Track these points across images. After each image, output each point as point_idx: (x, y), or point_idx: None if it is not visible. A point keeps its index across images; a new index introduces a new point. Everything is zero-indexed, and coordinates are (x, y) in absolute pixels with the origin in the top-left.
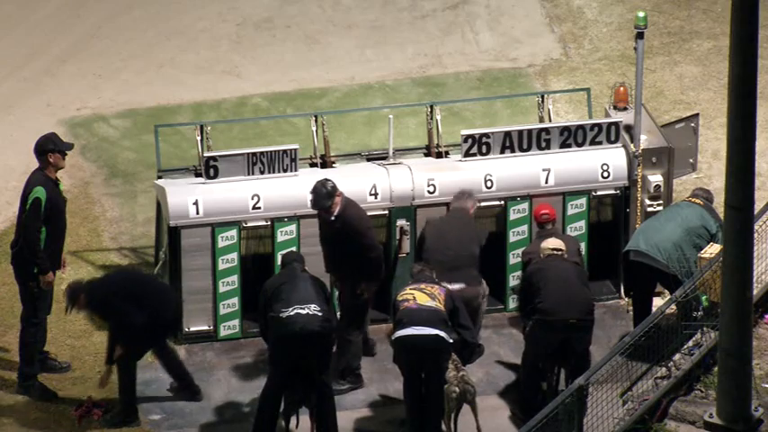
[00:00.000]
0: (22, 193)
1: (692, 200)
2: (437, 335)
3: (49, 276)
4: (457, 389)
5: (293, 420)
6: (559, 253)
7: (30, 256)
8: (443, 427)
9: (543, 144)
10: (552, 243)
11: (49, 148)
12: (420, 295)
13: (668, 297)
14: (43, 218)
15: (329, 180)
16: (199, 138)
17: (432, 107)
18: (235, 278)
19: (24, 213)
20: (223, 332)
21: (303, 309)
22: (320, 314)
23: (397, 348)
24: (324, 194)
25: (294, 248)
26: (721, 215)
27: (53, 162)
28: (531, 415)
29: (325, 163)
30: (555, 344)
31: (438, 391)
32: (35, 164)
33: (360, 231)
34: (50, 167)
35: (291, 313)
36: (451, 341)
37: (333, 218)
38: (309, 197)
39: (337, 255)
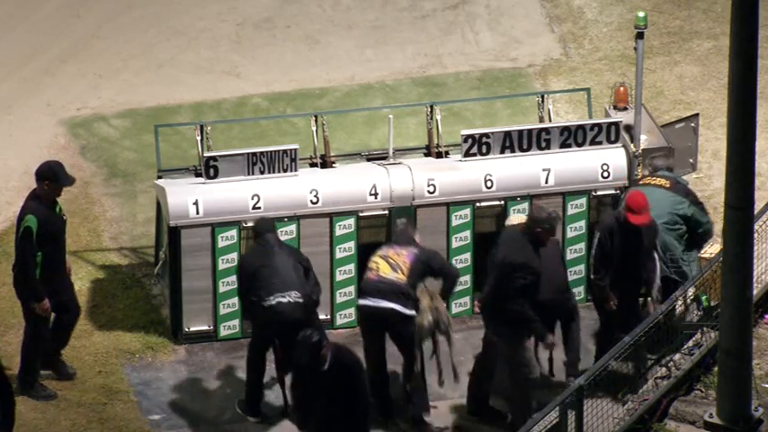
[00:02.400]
0: (17, 215)
1: (656, 182)
2: (392, 308)
3: (44, 304)
4: (430, 317)
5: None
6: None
7: (24, 283)
8: (416, 366)
9: (543, 144)
10: (516, 219)
11: (47, 176)
12: (383, 265)
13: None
14: (37, 244)
15: (312, 333)
16: (199, 138)
17: (432, 107)
18: (235, 278)
19: (16, 241)
20: (223, 332)
21: (284, 297)
22: (301, 300)
23: (359, 316)
24: (310, 346)
25: (266, 215)
26: (721, 215)
27: (47, 190)
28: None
29: (326, 163)
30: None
31: (408, 356)
32: (35, 164)
33: (359, 380)
34: (44, 194)
35: (273, 302)
36: (410, 313)
37: (325, 368)
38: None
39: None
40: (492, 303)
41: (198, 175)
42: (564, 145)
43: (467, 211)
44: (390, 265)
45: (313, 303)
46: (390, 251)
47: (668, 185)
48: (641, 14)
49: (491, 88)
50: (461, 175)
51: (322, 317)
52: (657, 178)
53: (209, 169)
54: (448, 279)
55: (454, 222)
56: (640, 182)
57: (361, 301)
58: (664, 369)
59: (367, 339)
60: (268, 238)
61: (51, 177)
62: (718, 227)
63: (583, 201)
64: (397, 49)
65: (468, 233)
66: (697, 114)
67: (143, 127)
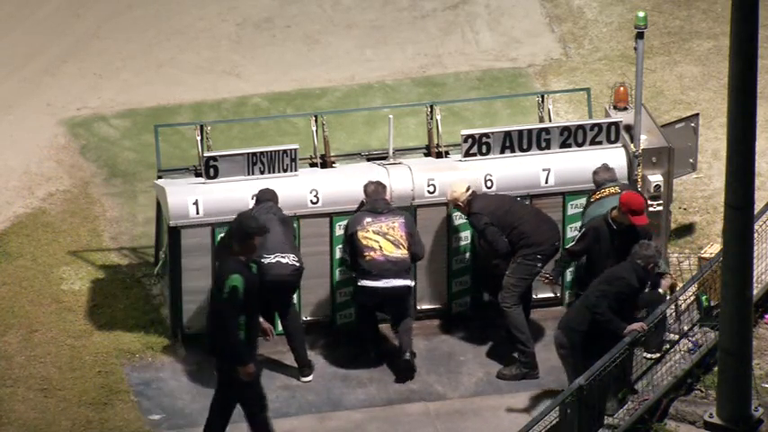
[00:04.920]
0: (215, 277)
1: (609, 191)
2: (405, 286)
3: (249, 368)
4: None
5: None
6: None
7: (228, 346)
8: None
9: (543, 144)
10: (460, 186)
11: (256, 231)
12: (386, 244)
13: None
14: (241, 306)
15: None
16: (199, 138)
17: (432, 107)
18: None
19: (220, 302)
20: None
21: (284, 257)
22: (297, 264)
23: (364, 295)
24: None
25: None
26: (721, 215)
27: (257, 244)
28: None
29: (326, 163)
30: None
31: (407, 321)
32: (35, 164)
33: None
34: (248, 251)
35: (273, 261)
36: (413, 284)
37: None
38: None
39: None
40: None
41: (198, 175)
42: (564, 145)
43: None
44: (391, 242)
45: (301, 272)
46: (382, 225)
47: (621, 191)
48: (641, 14)
49: (491, 88)
50: (461, 175)
51: None
52: (608, 189)
53: (209, 169)
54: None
55: (454, 222)
56: (594, 198)
57: (371, 283)
58: (664, 370)
59: (367, 312)
60: (270, 206)
61: (258, 231)
62: (718, 227)
63: (583, 201)
64: (397, 49)
65: (468, 233)
66: (697, 114)
67: (143, 127)
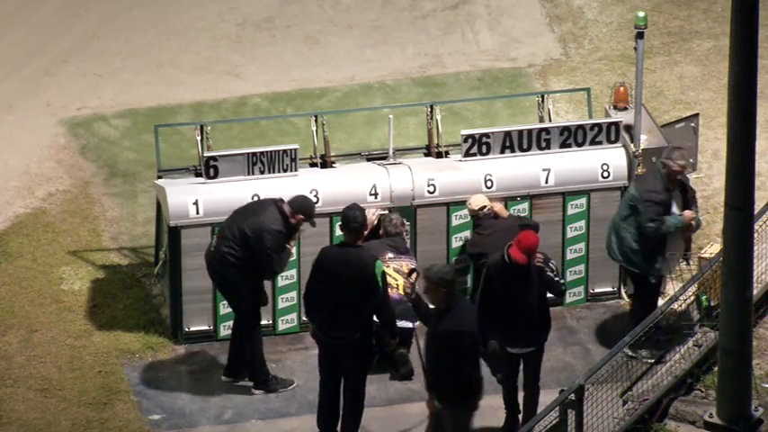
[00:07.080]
0: (352, 273)
1: None
2: (412, 328)
3: (396, 340)
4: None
5: None
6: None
7: (391, 329)
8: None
9: (543, 144)
10: (477, 202)
11: (361, 221)
12: (402, 284)
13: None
14: None
15: None
16: (199, 138)
17: (432, 107)
18: None
19: (380, 290)
20: (223, 332)
21: (219, 245)
22: (213, 249)
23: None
24: None
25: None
26: (721, 215)
27: (366, 230)
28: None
29: (326, 163)
30: None
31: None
32: (35, 164)
33: None
34: (361, 237)
35: (213, 242)
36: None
37: None
38: None
39: None
40: None
41: (198, 175)
42: (564, 145)
43: (467, 210)
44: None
45: (234, 269)
46: (403, 264)
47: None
48: (641, 14)
49: (491, 88)
50: (461, 175)
51: None
52: None
53: (209, 169)
54: None
55: (454, 222)
56: None
57: None
58: (664, 369)
59: None
60: (274, 200)
61: (364, 218)
62: (718, 227)
63: (583, 201)
64: (397, 49)
65: (468, 233)
66: (697, 114)
67: (143, 127)
